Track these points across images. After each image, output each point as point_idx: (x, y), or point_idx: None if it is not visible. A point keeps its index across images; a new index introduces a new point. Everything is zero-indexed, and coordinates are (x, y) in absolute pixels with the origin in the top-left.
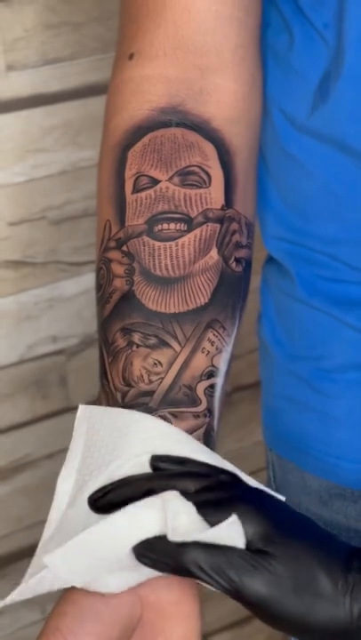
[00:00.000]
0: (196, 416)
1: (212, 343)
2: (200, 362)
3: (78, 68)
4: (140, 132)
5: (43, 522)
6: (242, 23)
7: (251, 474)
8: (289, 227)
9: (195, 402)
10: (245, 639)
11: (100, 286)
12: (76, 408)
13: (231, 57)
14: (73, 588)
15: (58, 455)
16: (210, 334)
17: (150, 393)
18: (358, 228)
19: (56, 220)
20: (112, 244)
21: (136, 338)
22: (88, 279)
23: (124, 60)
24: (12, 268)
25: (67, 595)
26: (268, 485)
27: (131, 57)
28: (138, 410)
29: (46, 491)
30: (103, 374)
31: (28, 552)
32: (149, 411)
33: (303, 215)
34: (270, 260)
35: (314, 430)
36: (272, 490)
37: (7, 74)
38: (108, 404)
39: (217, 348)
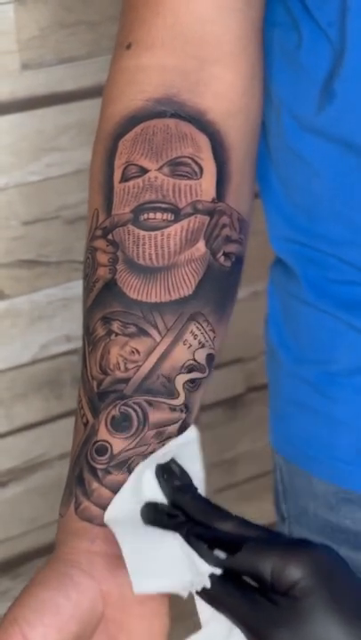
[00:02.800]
0: (173, 409)
1: (195, 336)
2: (181, 354)
3: (93, 67)
4: (132, 121)
5: (56, 522)
6: (244, 15)
7: (265, 474)
8: (297, 228)
9: (172, 394)
10: None
11: (85, 275)
12: None
13: (231, 49)
14: (35, 581)
15: None
16: (193, 327)
17: (126, 380)
18: None
19: (70, 220)
20: (98, 232)
21: (115, 326)
22: None
23: (121, 50)
24: (26, 267)
25: (28, 587)
26: (276, 489)
27: (128, 46)
28: (112, 396)
29: (60, 491)
30: (83, 364)
31: (41, 552)
32: (123, 397)
33: (311, 216)
34: (278, 262)
35: (321, 434)
36: (280, 494)
37: (22, 72)
38: (84, 393)
39: (199, 342)
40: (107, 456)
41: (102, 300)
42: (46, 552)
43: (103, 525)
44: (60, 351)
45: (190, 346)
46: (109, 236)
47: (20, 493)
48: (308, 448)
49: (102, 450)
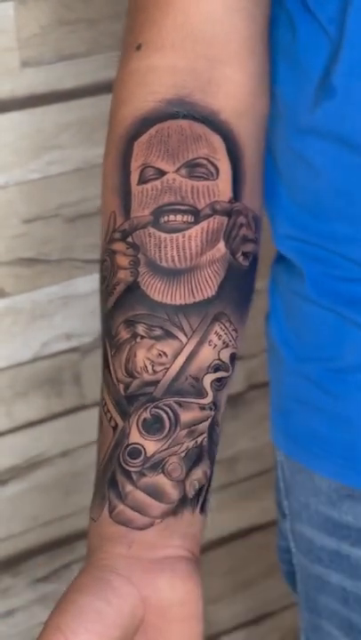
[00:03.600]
0: (202, 408)
1: (219, 337)
2: (207, 354)
3: (94, 65)
4: (145, 123)
5: (58, 519)
6: (250, 14)
7: (266, 472)
8: (299, 226)
9: (201, 393)
10: (260, 638)
11: (103, 278)
12: (90, 406)
13: (239, 48)
14: (73, 587)
15: (72, 453)
16: (217, 327)
17: (155, 383)
18: None
19: (71, 218)
20: (117, 235)
21: (140, 329)
22: None
23: (131, 51)
24: (27, 265)
25: (66, 594)
26: (277, 485)
27: (138, 47)
28: (142, 399)
29: (61, 488)
30: (106, 368)
31: (42, 550)
32: (153, 400)
33: (314, 214)
34: (279, 259)
35: (323, 431)
36: (281, 491)
37: (22, 70)
38: (110, 397)
39: (224, 342)
40: (140, 459)
41: (125, 303)
42: (47, 549)
43: (139, 529)
44: (61, 349)
45: (215, 346)
46: (129, 239)
47: (21, 491)
48: (310, 445)
49: (135, 453)
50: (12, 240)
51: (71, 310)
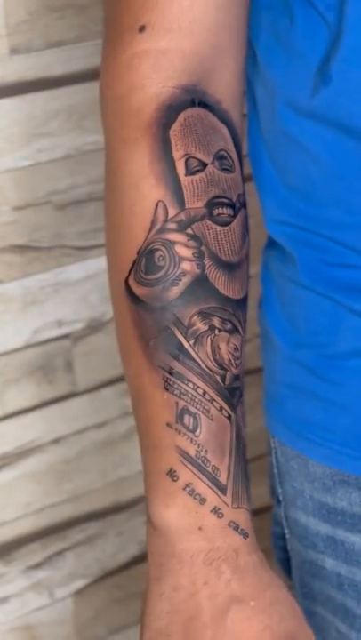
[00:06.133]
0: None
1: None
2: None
3: (83, 52)
4: (171, 110)
5: (50, 506)
6: (248, 5)
7: (258, 458)
8: (292, 211)
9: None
10: None
11: (158, 267)
12: (82, 393)
13: (240, 37)
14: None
15: (64, 440)
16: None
17: (240, 377)
18: None
19: (61, 205)
20: (172, 225)
21: (216, 322)
22: (94, 264)
23: (132, 33)
24: (18, 252)
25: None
26: (271, 472)
27: (142, 29)
28: (237, 393)
29: (53, 475)
30: (183, 354)
31: (36, 537)
32: (241, 395)
33: (307, 199)
34: (271, 245)
35: (318, 417)
36: (275, 477)
37: (11, 57)
38: (208, 386)
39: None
40: None
41: (195, 295)
42: (41, 537)
43: None
44: (53, 336)
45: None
46: (189, 230)
47: (13, 478)
48: (304, 431)
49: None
50: (2, 227)
51: (62, 297)
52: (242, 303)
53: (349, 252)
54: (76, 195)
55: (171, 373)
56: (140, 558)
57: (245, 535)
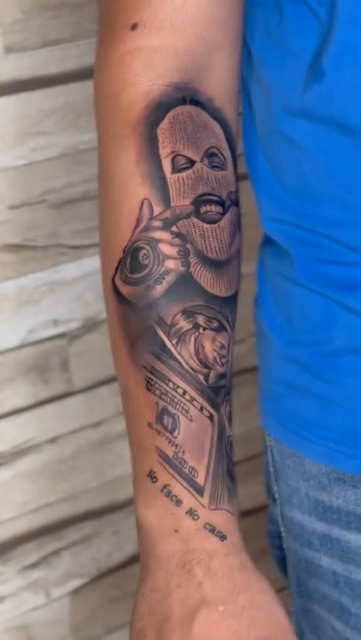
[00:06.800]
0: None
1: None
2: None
3: (78, 50)
4: (160, 107)
5: (46, 506)
6: (243, 1)
7: (253, 458)
8: (288, 209)
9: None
10: None
11: (143, 266)
12: (77, 392)
13: (234, 34)
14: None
15: (60, 439)
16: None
17: (225, 375)
18: (360, 210)
19: (56, 204)
20: (157, 223)
21: (201, 320)
22: (89, 263)
23: (125, 31)
24: (13, 251)
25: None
26: (267, 470)
27: (134, 27)
28: (222, 392)
29: (49, 475)
30: (165, 353)
31: (31, 536)
32: (228, 393)
33: (302, 197)
34: (267, 242)
35: (313, 415)
36: (271, 475)
37: (6, 56)
38: (190, 385)
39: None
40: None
41: (179, 293)
42: (37, 536)
43: None
44: (48, 335)
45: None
46: (174, 228)
47: (9, 478)
48: (300, 428)
49: (232, 446)
50: None
51: (58, 296)
52: (230, 301)
53: (344, 249)
54: (72, 194)
55: (153, 373)
56: (136, 558)
57: (223, 537)
